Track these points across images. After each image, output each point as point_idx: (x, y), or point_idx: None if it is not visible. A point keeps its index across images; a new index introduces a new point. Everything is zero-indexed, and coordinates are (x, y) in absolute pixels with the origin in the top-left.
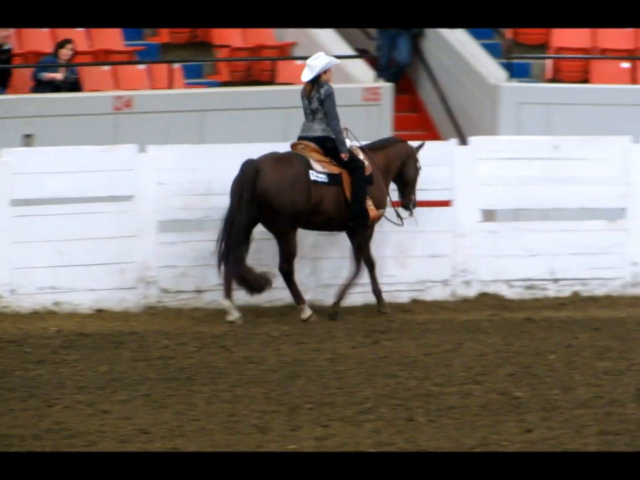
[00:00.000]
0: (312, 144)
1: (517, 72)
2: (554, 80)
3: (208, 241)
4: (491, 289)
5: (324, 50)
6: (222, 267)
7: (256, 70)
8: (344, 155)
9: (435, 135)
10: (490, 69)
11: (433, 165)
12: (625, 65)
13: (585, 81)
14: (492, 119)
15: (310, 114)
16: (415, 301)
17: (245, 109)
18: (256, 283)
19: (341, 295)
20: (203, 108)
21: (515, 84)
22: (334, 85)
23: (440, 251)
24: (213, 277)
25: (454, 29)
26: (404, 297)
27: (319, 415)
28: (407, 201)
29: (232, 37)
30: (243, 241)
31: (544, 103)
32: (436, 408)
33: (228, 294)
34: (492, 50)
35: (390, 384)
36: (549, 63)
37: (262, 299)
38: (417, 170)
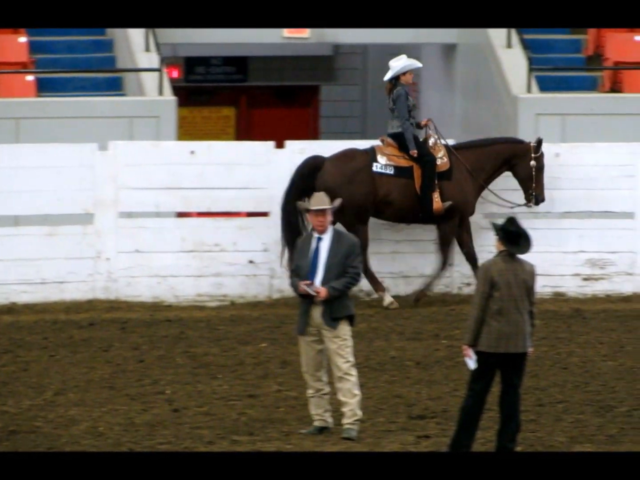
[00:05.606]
0: (389, 139)
1: None
2: None
3: None
4: None
5: None
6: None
7: None
8: (412, 152)
9: None
10: None
11: None
12: None
13: None
14: None
15: (390, 111)
16: None
17: None
18: None
19: (428, 284)
20: None
21: None
22: None
23: None
24: None
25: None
26: None
27: None
28: (527, 196)
29: None
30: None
31: None
32: None
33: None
34: None
35: None
36: None
37: None
38: (530, 168)
